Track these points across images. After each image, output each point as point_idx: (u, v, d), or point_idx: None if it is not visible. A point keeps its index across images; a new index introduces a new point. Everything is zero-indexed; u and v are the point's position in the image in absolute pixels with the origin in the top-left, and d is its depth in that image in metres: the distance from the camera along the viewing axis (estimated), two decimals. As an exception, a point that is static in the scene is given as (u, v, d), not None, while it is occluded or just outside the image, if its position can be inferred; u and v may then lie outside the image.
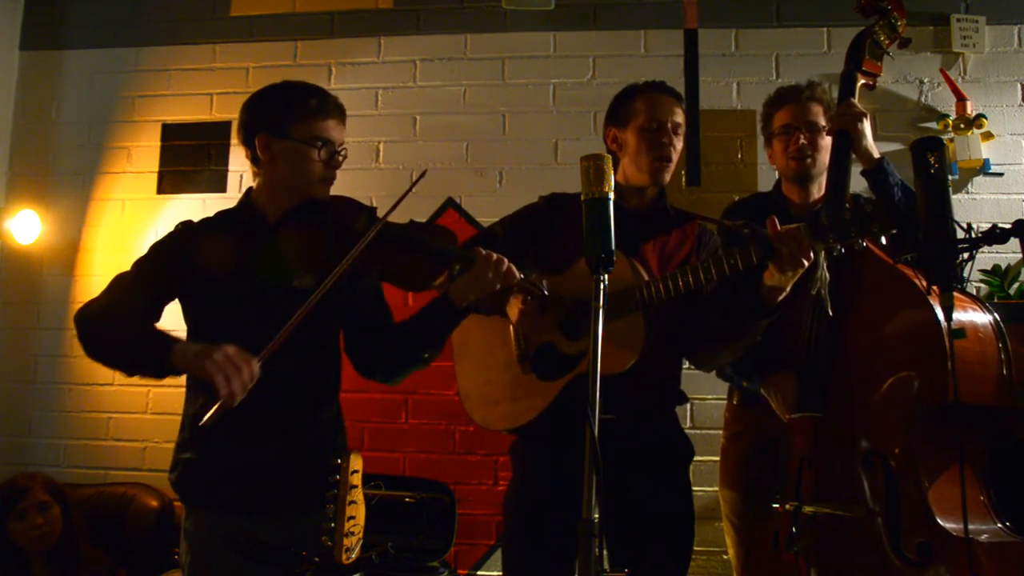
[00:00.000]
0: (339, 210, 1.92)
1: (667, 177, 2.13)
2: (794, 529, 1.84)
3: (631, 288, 1.96)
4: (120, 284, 1.92)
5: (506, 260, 1.86)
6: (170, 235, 2.01)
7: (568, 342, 2.07)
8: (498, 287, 1.87)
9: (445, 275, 1.85)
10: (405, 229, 1.89)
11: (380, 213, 1.88)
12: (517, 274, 1.86)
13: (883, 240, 1.76)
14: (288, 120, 1.90)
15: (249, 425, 1.84)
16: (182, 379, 1.90)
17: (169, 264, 1.94)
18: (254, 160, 1.97)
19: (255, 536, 1.84)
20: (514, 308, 2.05)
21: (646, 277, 2.01)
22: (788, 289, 1.89)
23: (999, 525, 1.75)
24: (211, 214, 2.06)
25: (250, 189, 2.03)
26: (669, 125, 2.10)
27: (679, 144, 2.13)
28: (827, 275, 1.81)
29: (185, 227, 2.01)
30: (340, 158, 1.96)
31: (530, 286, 1.90)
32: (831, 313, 1.87)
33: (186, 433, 1.95)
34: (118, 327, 1.85)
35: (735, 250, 1.88)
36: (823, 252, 1.80)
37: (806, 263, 1.80)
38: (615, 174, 2.16)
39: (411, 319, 1.99)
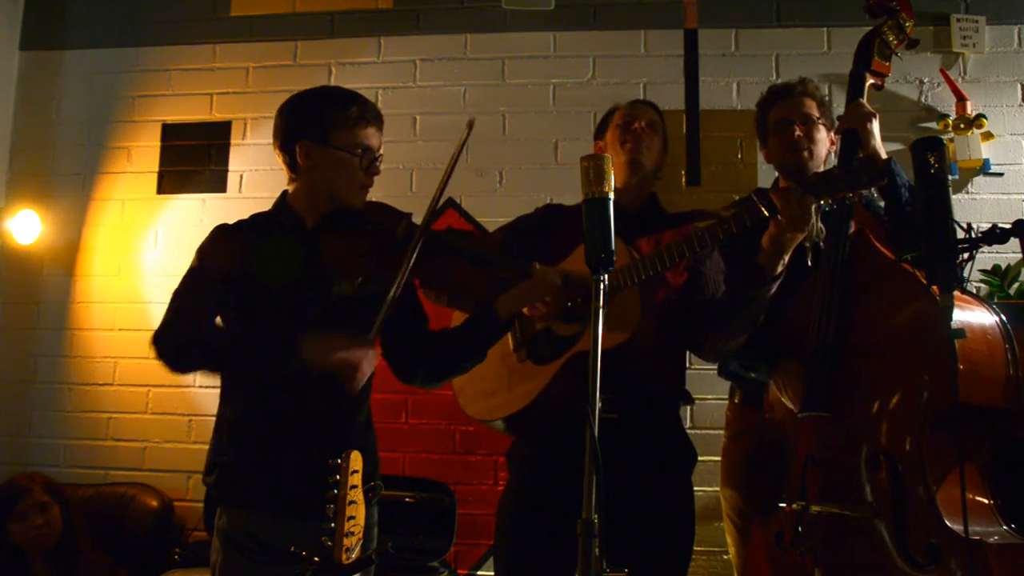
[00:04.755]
0: (377, 216, 1.94)
1: (637, 168, 2.17)
2: (799, 529, 1.83)
3: (627, 265, 1.97)
4: (186, 297, 1.91)
5: (555, 273, 1.89)
6: (211, 239, 1.98)
7: (564, 324, 2.06)
8: (546, 299, 1.92)
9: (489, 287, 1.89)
10: (448, 236, 1.90)
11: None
12: (560, 285, 1.90)
13: (874, 192, 1.78)
14: (330, 128, 1.90)
15: (286, 427, 1.85)
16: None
17: (222, 265, 1.92)
18: (291, 166, 1.95)
19: (256, 537, 1.85)
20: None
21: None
22: (787, 257, 1.93)
23: (1006, 527, 1.75)
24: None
25: (285, 193, 2.02)
26: (643, 122, 2.19)
27: (654, 141, 2.20)
28: (822, 226, 1.90)
29: (223, 230, 1.99)
30: (378, 164, 1.97)
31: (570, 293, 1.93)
32: (809, 263, 1.95)
33: (222, 434, 1.94)
34: (213, 335, 1.89)
35: (743, 206, 1.91)
36: (814, 206, 1.85)
37: (804, 225, 1.86)
38: None
39: (456, 328, 2.04)
